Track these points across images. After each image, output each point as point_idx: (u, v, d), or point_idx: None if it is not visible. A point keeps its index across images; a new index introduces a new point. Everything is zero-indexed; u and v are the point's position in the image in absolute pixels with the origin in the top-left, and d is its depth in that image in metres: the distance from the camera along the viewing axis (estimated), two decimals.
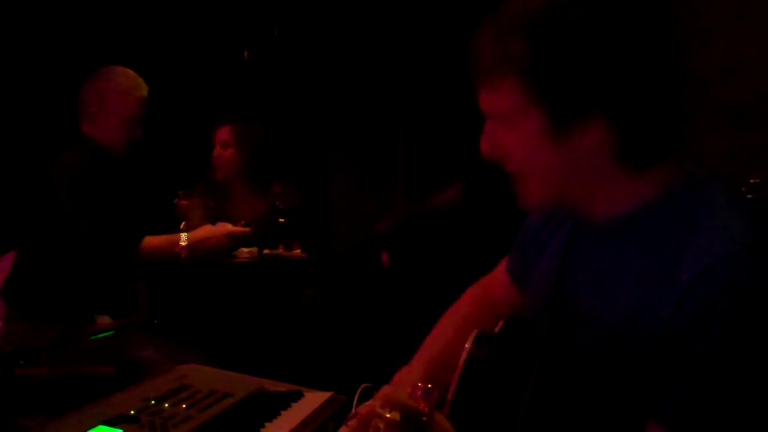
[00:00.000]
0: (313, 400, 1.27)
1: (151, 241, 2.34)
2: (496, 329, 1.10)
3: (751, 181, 2.00)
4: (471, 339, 0.95)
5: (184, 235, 2.41)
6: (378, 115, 3.29)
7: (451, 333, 1.18)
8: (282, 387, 1.34)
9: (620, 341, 0.83)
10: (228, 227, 2.52)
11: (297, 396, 1.28)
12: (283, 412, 1.20)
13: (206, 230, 2.47)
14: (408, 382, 1.04)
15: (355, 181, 3.33)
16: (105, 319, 2.31)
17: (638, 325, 0.81)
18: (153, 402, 1.17)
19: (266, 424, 1.14)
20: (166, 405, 1.16)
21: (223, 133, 2.81)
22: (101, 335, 2.03)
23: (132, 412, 1.12)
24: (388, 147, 3.28)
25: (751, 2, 2.38)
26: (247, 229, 2.56)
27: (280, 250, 2.78)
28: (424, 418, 0.79)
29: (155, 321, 2.25)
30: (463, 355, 0.94)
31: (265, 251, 2.73)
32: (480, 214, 2.32)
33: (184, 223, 2.61)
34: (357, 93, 3.36)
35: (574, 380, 0.91)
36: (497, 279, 1.25)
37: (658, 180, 0.86)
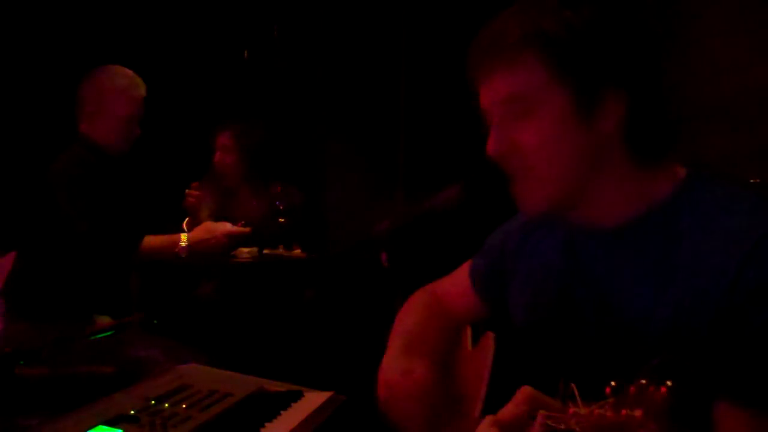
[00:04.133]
0: (313, 400, 1.27)
1: (151, 240, 2.34)
2: (466, 339, 1.09)
3: (751, 181, 2.00)
4: (490, 338, 0.96)
5: (184, 236, 2.41)
6: (378, 116, 3.29)
7: (413, 323, 1.17)
8: (282, 387, 1.34)
9: (669, 334, 0.83)
10: (228, 227, 2.52)
11: (297, 396, 1.28)
12: (283, 412, 1.20)
13: (206, 230, 2.47)
14: (388, 357, 1.06)
15: (355, 181, 3.33)
16: (104, 319, 2.31)
17: (686, 314, 0.81)
18: (153, 402, 1.17)
19: (266, 424, 1.14)
20: (166, 405, 1.16)
21: (224, 138, 2.82)
22: (101, 335, 2.03)
23: (132, 412, 1.12)
24: (388, 147, 3.28)
25: (751, 2, 2.38)
26: (246, 230, 2.57)
27: (280, 250, 2.79)
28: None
29: (155, 321, 2.25)
30: (489, 352, 0.94)
31: (265, 251, 2.73)
32: (479, 215, 2.32)
33: (188, 219, 2.61)
34: (357, 93, 3.36)
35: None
36: (454, 286, 1.24)
37: (667, 181, 0.88)
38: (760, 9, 2.31)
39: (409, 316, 1.21)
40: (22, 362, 1.80)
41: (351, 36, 3.39)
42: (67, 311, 2.21)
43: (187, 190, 2.72)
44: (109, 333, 2.05)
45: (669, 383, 0.78)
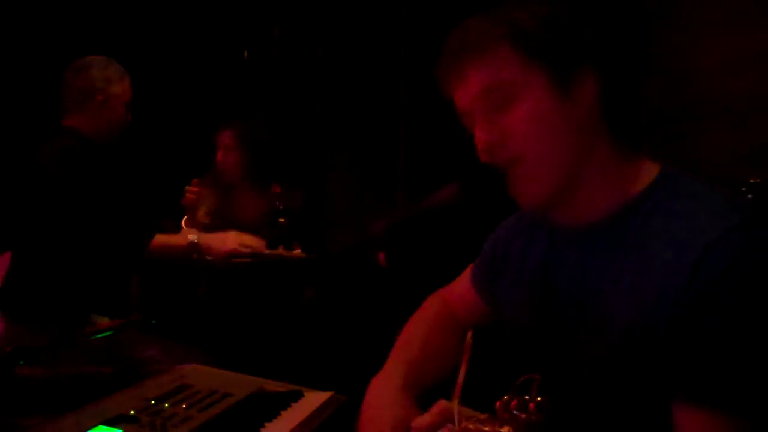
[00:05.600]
0: (313, 400, 1.27)
1: (162, 239, 2.29)
2: (467, 339, 1.10)
3: (751, 181, 2.00)
4: (468, 336, 0.97)
5: (193, 235, 2.37)
6: (378, 116, 3.29)
7: (420, 340, 1.17)
8: (282, 387, 1.34)
9: (632, 335, 0.83)
10: (246, 239, 2.45)
11: (297, 396, 1.28)
12: (283, 412, 1.20)
13: (227, 239, 2.41)
14: (386, 386, 1.05)
15: (355, 181, 3.33)
16: (103, 320, 2.30)
17: (649, 315, 0.82)
18: (153, 402, 1.17)
19: (266, 424, 1.14)
20: (166, 405, 1.16)
21: (226, 137, 2.81)
22: (101, 335, 2.03)
23: (132, 412, 1.12)
24: (388, 147, 3.28)
25: (751, 1, 2.38)
26: (260, 247, 2.51)
27: (280, 250, 2.79)
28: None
29: (154, 321, 2.25)
30: (465, 356, 0.94)
31: (265, 251, 2.73)
32: (477, 214, 2.32)
33: (186, 217, 2.60)
34: (357, 93, 3.36)
35: (577, 384, 0.91)
36: (460, 289, 1.25)
37: (641, 178, 0.90)
38: (760, 8, 2.31)
39: (418, 330, 1.20)
40: (22, 362, 1.81)
41: (351, 36, 3.39)
42: (67, 312, 2.19)
43: (186, 187, 2.72)
44: (109, 333, 2.05)
45: (539, 399, 0.79)
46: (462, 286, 1.25)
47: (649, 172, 0.91)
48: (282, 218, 2.77)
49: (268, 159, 2.83)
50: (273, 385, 1.34)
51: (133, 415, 1.11)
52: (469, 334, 0.97)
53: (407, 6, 3.26)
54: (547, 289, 0.98)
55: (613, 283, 0.88)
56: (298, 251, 2.81)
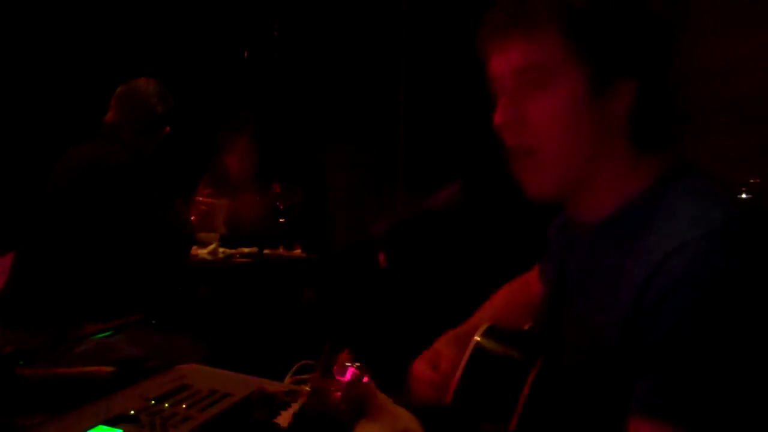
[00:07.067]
0: None
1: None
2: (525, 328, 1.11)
3: (751, 181, 2.00)
4: (481, 330, 0.96)
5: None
6: (378, 115, 3.30)
7: (490, 303, 1.21)
8: (282, 387, 1.34)
9: (598, 335, 0.83)
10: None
11: (297, 396, 1.28)
12: (283, 412, 1.20)
13: None
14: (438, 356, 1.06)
15: (355, 181, 3.33)
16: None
17: (610, 317, 0.81)
18: (153, 402, 1.17)
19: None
20: (166, 405, 1.16)
21: (241, 143, 2.83)
22: (101, 335, 2.02)
23: (132, 412, 1.12)
24: (388, 147, 3.28)
25: (751, 1, 2.38)
26: None
27: (280, 250, 2.79)
28: (336, 394, 0.81)
29: (154, 321, 2.24)
30: (471, 345, 0.94)
31: (265, 251, 2.73)
32: (478, 215, 2.32)
33: (202, 234, 2.58)
34: (357, 93, 3.36)
35: (567, 378, 0.91)
36: (532, 276, 1.25)
37: (650, 173, 0.87)
38: (759, 10, 2.31)
39: (493, 298, 1.24)
40: (22, 362, 1.81)
41: (351, 36, 3.39)
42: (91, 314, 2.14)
43: (197, 198, 2.68)
44: (108, 333, 2.05)
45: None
46: (535, 270, 1.25)
47: (654, 171, 0.87)
48: (282, 218, 2.78)
49: (272, 160, 2.85)
50: (273, 385, 1.34)
51: (133, 415, 1.10)
52: (479, 332, 0.98)
53: (407, 6, 3.26)
54: (559, 287, 0.98)
55: (595, 286, 0.87)
56: (298, 251, 2.81)
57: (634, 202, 0.86)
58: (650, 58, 0.85)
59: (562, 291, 0.98)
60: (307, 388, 0.85)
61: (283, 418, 1.18)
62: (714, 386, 0.71)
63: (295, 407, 0.88)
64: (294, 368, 0.99)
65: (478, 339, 0.95)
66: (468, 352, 0.94)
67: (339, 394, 0.80)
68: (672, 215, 0.80)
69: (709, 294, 0.72)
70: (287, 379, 0.94)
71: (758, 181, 2.00)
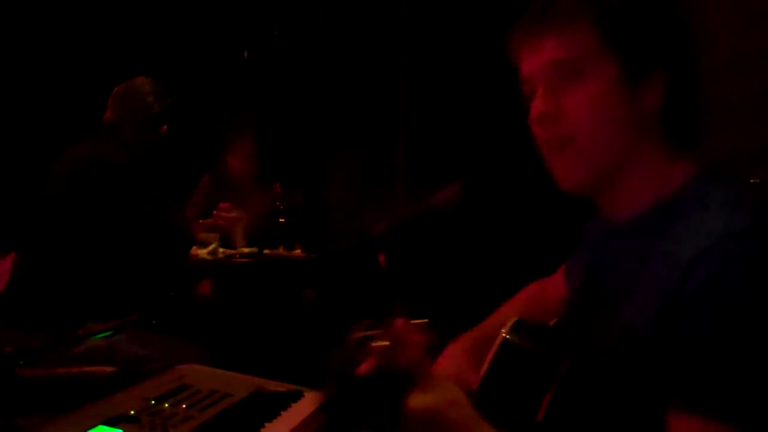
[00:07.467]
0: (313, 400, 1.27)
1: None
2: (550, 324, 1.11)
3: (751, 181, 2.00)
4: (509, 324, 0.98)
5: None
6: (378, 115, 3.30)
7: (502, 319, 1.20)
8: (282, 387, 1.34)
9: (630, 332, 0.83)
10: None
11: (297, 396, 1.28)
12: (283, 412, 1.20)
13: None
14: (452, 355, 1.08)
15: (355, 181, 3.33)
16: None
17: (646, 311, 0.81)
18: (153, 402, 1.17)
19: (266, 424, 1.14)
20: (166, 405, 1.16)
21: (246, 146, 2.84)
22: (101, 335, 2.02)
23: (132, 412, 1.12)
24: (388, 147, 3.28)
25: (752, 1, 2.38)
26: None
27: (280, 250, 2.79)
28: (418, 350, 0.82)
29: (154, 321, 2.24)
30: (499, 339, 0.96)
31: (265, 251, 2.73)
32: (478, 215, 2.32)
33: (202, 234, 2.56)
34: (357, 93, 3.36)
35: (594, 373, 0.92)
36: (556, 277, 1.25)
37: (682, 172, 0.88)
38: (762, 9, 2.31)
39: (517, 299, 1.24)
40: (22, 362, 1.81)
41: (351, 36, 3.39)
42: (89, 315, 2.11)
43: (215, 212, 2.61)
44: (109, 333, 2.05)
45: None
46: (560, 270, 1.25)
47: (688, 172, 0.89)
48: (282, 218, 2.78)
49: (276, 160, 2.86)
50: (273, 385, 1.34)
51: (133, 415, 1.10)
52: (507, 326, 0.99)
53: (407, 5, 3.26)
54: (588, 283, 0.99)
55: (627, 283, 0.87)
56: (298, 251, 2.81)
57: (667, 201, 0.87)
58: (680, 51, 0.87)
59: (592, 288, 0.98)
60: (381, 343, 0.86)
61: (283, 420, 1.18)
62: (754, 380, 0.72)
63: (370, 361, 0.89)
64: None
65: (506, 332, 0.97)
66: (496, 345, 0.96)
67: (419, 351, 0.82)
68: (706, 214, 0.81)
69: (745, 290, 0.74)
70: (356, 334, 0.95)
71: (758, 181, 2.00)
